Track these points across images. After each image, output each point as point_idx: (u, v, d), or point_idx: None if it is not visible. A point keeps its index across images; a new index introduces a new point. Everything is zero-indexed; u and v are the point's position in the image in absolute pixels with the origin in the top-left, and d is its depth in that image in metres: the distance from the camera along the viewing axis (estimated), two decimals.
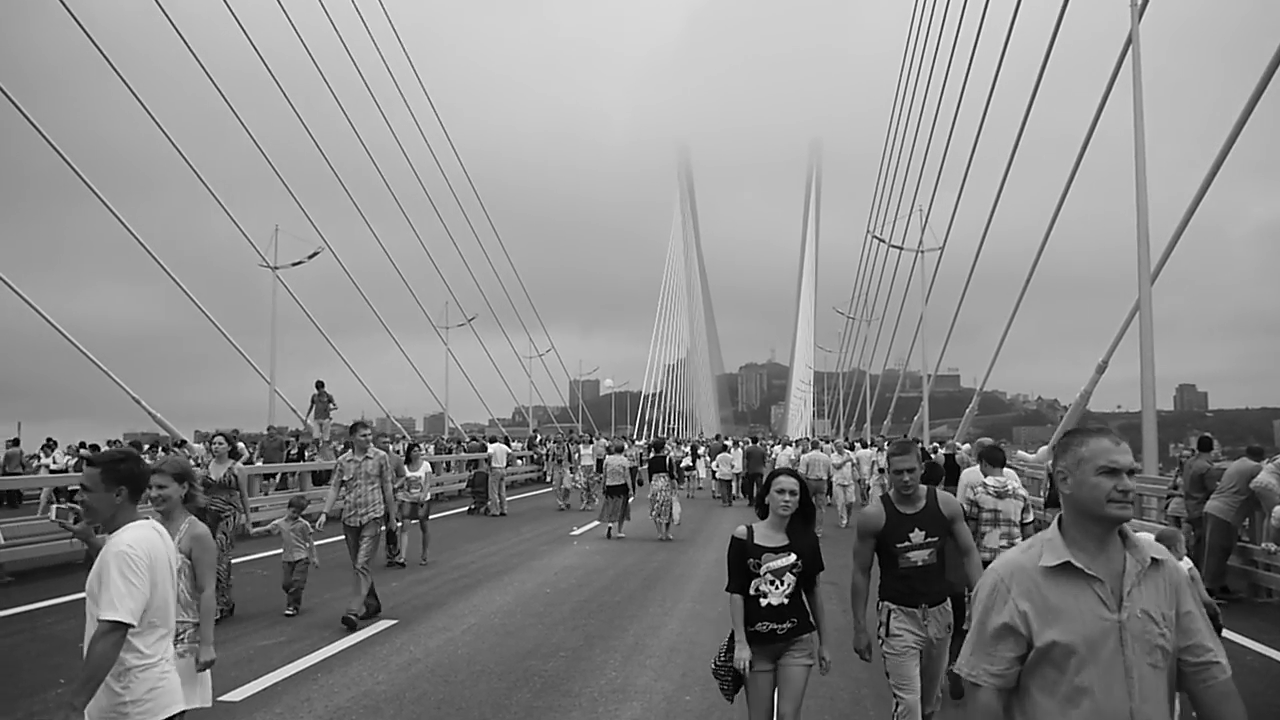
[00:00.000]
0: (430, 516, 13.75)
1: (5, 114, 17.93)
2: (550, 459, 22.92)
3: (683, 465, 26.48)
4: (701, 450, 30.84)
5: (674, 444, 34.77)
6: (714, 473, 26.23)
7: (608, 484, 16.91)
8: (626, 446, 22.75)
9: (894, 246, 38.48)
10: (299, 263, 29.88)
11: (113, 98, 21.91)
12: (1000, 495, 6.71)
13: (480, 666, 7.08)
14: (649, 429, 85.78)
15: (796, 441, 29.67)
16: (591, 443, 24.33)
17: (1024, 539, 6.30)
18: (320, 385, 23.84)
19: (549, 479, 22.95)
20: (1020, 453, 23.04)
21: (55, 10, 19.44)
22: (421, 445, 20.46)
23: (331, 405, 23.62)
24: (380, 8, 33.30)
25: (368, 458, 9.10)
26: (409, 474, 13.23)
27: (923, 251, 34.83)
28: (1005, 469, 7.29)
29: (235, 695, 6.20)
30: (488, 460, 22.59)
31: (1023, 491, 6.68)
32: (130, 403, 21.79)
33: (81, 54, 20.25)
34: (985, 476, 7.22)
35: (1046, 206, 22.92)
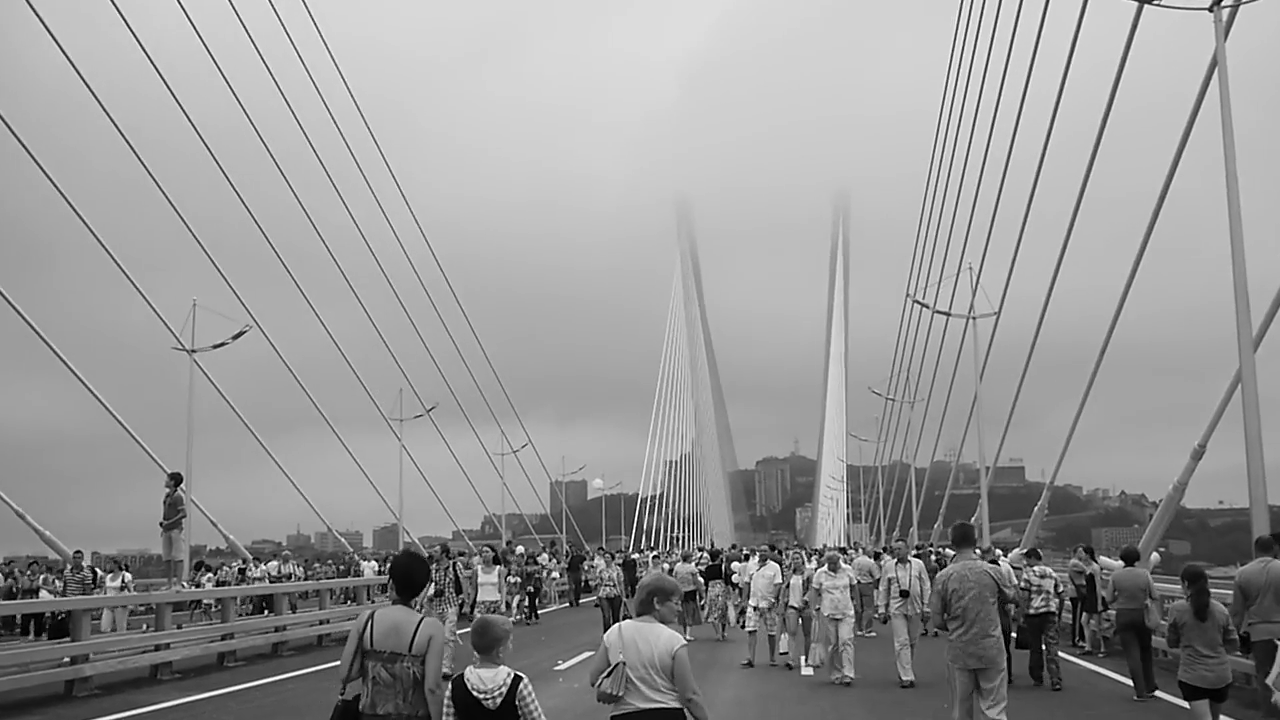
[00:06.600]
0: None
1: None
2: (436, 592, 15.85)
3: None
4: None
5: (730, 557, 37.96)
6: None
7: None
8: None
9: (940, 312, 38.32)
10: (222, 344, 29.66)
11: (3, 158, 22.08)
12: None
13: None
14: (647, 537, 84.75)
15: (823, 553, 27.28)
16: (498, 562, 18.82)
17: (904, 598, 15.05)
18: (177, 480, 18.73)
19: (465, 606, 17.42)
20: (1103, 559, 22.39)
21: None
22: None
23: (178, 512, 18.27)
24: (334, 66, 33.88)
25: None
26: None
27: (975, 318, 34.51)
28: (911, 559, 15.96)
29: None
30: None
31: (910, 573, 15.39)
32: (14, 518, 21.46)
33: None
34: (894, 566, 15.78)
35: (1117, 269, 22.81)
